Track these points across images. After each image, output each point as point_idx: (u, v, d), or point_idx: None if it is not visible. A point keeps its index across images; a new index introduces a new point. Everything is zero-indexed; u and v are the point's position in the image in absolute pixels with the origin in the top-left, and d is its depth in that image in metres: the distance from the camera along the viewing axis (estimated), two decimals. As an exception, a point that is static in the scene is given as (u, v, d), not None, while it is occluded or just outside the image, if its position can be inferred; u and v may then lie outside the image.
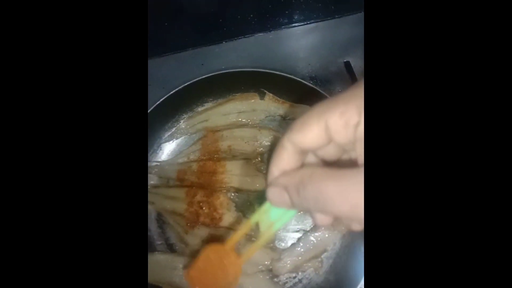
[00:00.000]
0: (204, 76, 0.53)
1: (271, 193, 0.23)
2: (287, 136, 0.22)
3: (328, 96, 0.49)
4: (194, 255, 0.48)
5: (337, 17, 0.61)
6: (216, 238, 0.48)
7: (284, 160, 0.22)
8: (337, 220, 0.21)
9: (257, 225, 0.26)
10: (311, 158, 0.24)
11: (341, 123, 0.19)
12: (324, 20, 0.61)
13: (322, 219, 0.21)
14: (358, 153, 0.19)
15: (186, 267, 0.27)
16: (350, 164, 0.23)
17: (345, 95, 0.20)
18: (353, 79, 0.55)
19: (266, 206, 0.25)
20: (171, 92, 0.52)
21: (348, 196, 0.18)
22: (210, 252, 0.28)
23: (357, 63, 0.57)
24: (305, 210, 0.22)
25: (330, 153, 0.23)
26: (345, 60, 0.58)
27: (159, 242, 0.50)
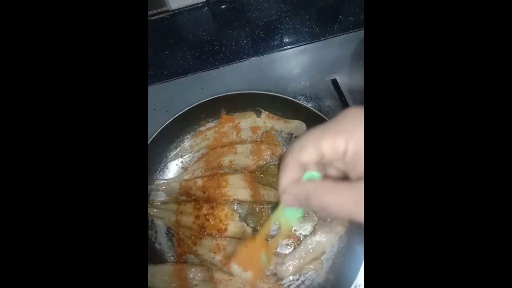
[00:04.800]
0: (205, 100, 0.58)
1: (285, 199, 0.28)
2: (290, 154, 0.27)
3: (317, 111, 0.54)
4: (204, 264, 0.51)
5: (323, 39, 0.67)
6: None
7: (289, 172, 0.28)
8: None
9: (277, 222, 0.32)
10: (332, 170, 0.29)
11: (332, 151, 0.25)
12: (311, 43, 0.67)
13: (324, 217, 0.27)
14: (349, 171, 0.25)
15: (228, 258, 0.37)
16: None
17: (335, 124, 0.25)
18: (340, 95, 0.60)
19: (281, 207, 0.31)
20: (176, 116, 0.57)
21: (344, 206, 0.24)
22: (246, 246, 0.36)
23: (343, 80, 0.63)
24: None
25: (341, 165, 0.28)
26: (332, 78, 0.63)
27: (169, 254, 0.54)
